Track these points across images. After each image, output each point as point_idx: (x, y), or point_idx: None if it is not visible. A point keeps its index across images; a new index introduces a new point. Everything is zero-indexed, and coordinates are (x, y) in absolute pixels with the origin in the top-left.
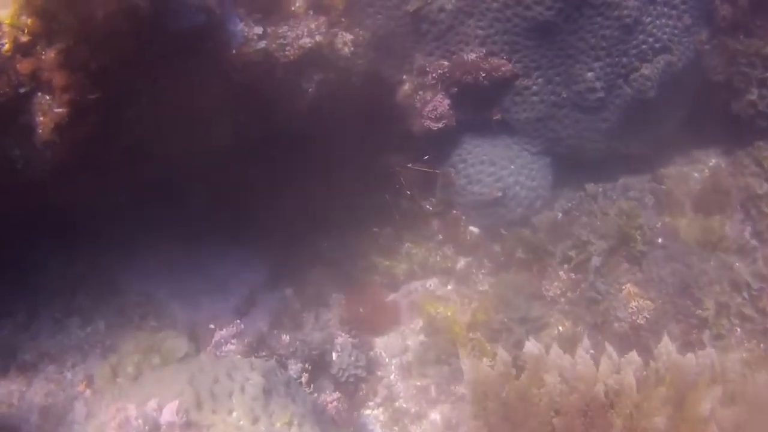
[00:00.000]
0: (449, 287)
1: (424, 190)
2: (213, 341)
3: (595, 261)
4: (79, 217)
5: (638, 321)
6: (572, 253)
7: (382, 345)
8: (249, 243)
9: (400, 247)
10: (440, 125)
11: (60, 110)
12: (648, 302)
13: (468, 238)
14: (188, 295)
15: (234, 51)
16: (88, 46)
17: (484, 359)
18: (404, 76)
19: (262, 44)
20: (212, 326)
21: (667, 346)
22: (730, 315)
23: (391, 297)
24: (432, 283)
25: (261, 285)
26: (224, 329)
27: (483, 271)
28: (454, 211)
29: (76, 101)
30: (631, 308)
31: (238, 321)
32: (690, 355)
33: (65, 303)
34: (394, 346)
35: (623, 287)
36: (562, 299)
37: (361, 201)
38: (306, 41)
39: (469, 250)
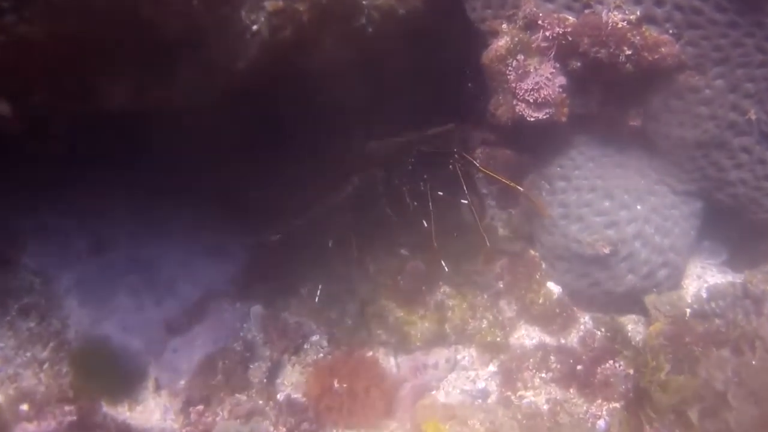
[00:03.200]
0: (491, 369)
1: (496, 208)
2: None
3: None
4: None
5: None
6: (694, 417)
7: None
8: (232, 227)
9: (431, 293)
10: (541, 116)
11: None
12: None
13: (541, 300)
14: (107, 290)
15: None
16: None
17: None
18: (503, 25)
19: None
20: (24, 407)
21: None
22: None
23: (394, 369)
24: (467, 356)
25: (225, 287)
26: (43, 420)
27: (543, 374)
28: (532, 252)
29: None
30: None
31: (71, 408)
32: None
33: None
34: None
35: None
36: None
37: (391, 207)
38: None
39: (538, 318)
